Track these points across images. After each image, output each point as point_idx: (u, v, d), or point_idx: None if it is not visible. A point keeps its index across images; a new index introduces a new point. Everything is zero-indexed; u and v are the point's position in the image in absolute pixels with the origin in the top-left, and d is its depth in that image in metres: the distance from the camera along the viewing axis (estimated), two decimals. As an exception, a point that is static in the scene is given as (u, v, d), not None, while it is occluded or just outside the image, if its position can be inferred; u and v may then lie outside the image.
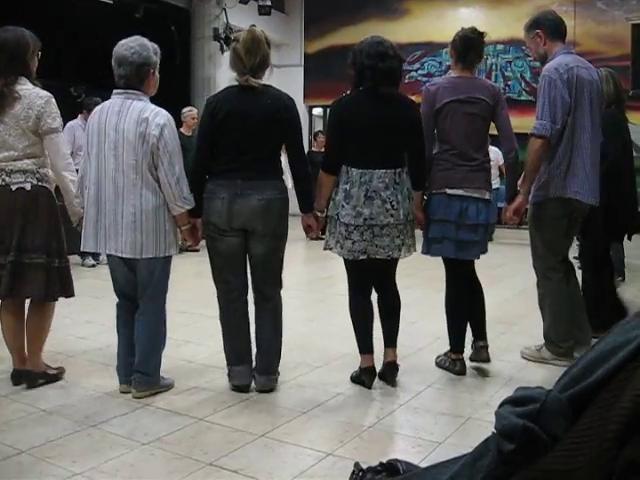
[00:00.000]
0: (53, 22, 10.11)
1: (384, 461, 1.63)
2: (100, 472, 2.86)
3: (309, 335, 5.21)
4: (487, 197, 4.19)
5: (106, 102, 3.82)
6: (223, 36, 13.57)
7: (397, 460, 1.59)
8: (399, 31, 15.72)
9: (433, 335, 5.07)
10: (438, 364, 4.48)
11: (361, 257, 3.90)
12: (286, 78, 13.25)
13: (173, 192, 3.72)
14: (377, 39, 3.99)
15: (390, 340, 4.14)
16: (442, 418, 3.56)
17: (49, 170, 4.02)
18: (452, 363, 4.35)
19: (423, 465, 1.62)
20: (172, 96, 8.48)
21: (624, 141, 5.06)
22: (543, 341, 4.63)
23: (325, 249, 4.13)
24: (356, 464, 1.67)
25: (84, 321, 5.47)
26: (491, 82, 4.56)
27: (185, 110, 9.33)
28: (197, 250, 8.45)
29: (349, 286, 4.13)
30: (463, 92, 4.13)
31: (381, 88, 3.88)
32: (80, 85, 10.16)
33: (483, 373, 4.34)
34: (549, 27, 4.42)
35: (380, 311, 4.18)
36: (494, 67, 15.03)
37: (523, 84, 14.84)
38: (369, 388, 4.01)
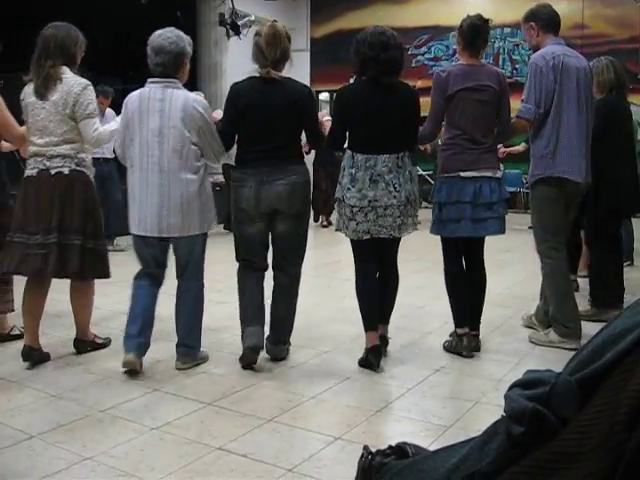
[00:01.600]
0: (58, 8, 10.09)
1: (393, 444, 1.63)
2: (110, 456, 2.88)
3: (316, 319, 5.22)
4: (498, 175, 4.36)
5: (143, 90, 4.01)
6: (229, 21, 13.51)
7: (406, 443, 1.60)
8: (406, 15, 15.66)
9: (441, 319, 5.06)
10: (447, 348, 4.50)
11: (365, 237, 4.09)
12: (293, 63, 13.10)
13: (216, 155, 4.17)
14: (379, 29, 4.08)
15: (383, 317, 4.32)
16: (450, 402, 3.57)
17: (88, 155, 4.25)
18: (459, 339, 4.41)
19: (432, 449, 1.62)
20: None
21: (621, 125, 5.24)
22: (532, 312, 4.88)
23: (337, 230, 4.33)
24: (365, 447, 1.67)
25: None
26: (497, 69, 4.70)
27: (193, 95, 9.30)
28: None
29: (356, 266, 4.27)
30: (473, 80, 4.26)
31: (383, 78, 4.02)
32: (86, 72, 10.16)
33: (491, 357, 4.35)
34: (542, 20, 4.70)
35: (378, 288, 4.30)
36: (501, 50, 14.95)
37: (531, 67, 14.76)
38: (377, 368, 4.07)
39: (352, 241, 4.21)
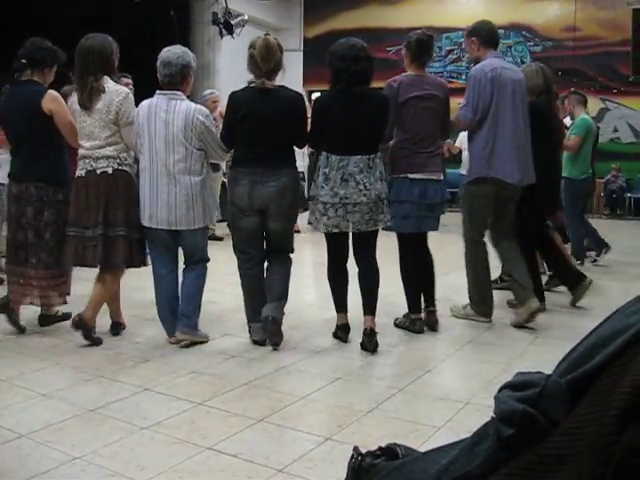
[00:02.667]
0: (53, 8, 10.07)
1: (383, 445, 1.63)
2: (99, 456, 2.87)
3: (307, 320, 5.22)
4: (441, 178, 4.88)
5: (152, 100, 4.52)
6: (222, 21, 13.49)
7: (396, 444, 1.60)
8: (399, 16, 15.68)
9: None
10: (398, 324, 5.04)
11: (334, 230, 4.50)
12: (285, 63, 13.10)
13: (220, 156, 4.80)
14: (350, 42, 4.48)
15: (368, 308, 4.61)
16: (441, 403, 3.57)
17: (130, 153, 4.70)
18: (412, 323, 4.92)
19: (422, 450, 1.62)
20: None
21: (546, 127, 5.45)
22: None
23: (308, 223, 4.75)
24: (355, 448, 1.68)
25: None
26: (441, 79, 5.25)
27: (207, 93, 9.24)
28: (221, 239, 8.86)
29: (328, 256, 4.73)
30: (422, 89, 4.76)
31: (354, 88, 4.39)
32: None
33: (481, 358, 4.36)
34: (483, 36, 5.17)
35: (360, 283, 4.65)
36: (494, 52, 14.97)
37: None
38: (345, 342, 4.61)
39: (326, 235, 4.62)
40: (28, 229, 4.71)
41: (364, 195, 4.40)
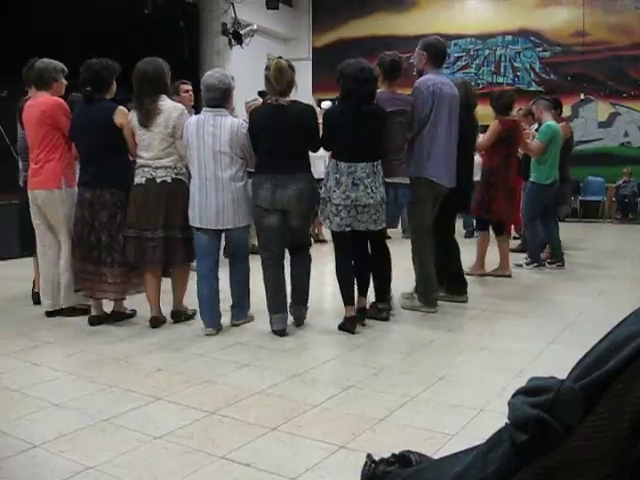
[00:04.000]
0: (63, 18, 10.13)
1: (396, 453, 1.62)
2: (113, 466, 2.87)
3: (320, 327, 5.21)
4: (407, 182, 5.47)
5: (199, 116, 5.08)
6: (231, 31, 13.56)
7: (410, 451, 1.59)
8: (407, 23, 15.70)
9: (445, 327, 5.05)
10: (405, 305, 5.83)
11: (347, 229, 5.11)
12: (297, 87, 13.06)
13: (254, 163, 5.15)
14: (360, 65, 5.06)
15: (362, 291, 5.48)
16: (454, 410, 3.56)
17: (183, 164, 5.23)
18: (379, 311, 5.51)
19: (435, 457, 1.61)
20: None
21: (463, 136, 5.89)
22: None
23: (319, 222, 5.52)
24: (368, 455, 1.67)
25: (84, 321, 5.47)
26: (408, 96, 5.61)
27: (250, 100, 9.38)
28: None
29: (335, 253, 5.29)
30: (395, 105, 5.34)
31: (363, 106, 5.03)
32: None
33: (495, 365, 4.34)
34: (432, 54, 5.71)
35: (357, 270, 5.38)
36: (503, 58, 14.98)
37: (532, 75, 14.79)
38: (352, 333, 5.05)
39: (335, 233, 5.22)
40: (101, 231, 5.23)
41: (371, 198, 5.03)
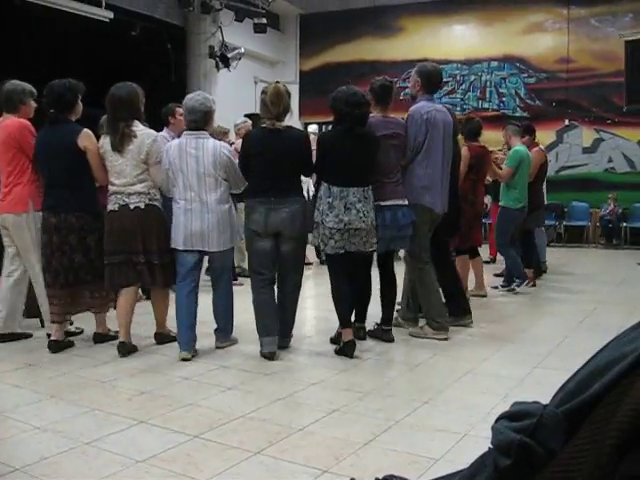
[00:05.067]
0: (49, 40, 10.15)
1: (380, 477, 1.61)
2: (94, 490, 2.84)
3: (305, 351, 5.20)
4: (406, 203, 5.46)
5: (181, 140, 5.11)
6: (219, 54, 13.62)
7: (393, 476, 1.58)
8: (394, 48, 15.83)
9: (430, 350, 5.05)
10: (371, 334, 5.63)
11: (340, 252, 5.12)
12: (292, 112, 13.11)
13: (238, 185, 5.24)
14: (352, 90, 5.16)
15: (360, 316, 5.57)
16: (438, 434, 3.55)
17: (156, 190, 5.24)
18: (385, 333, 5.57)
19: (419, 481, 1.61)
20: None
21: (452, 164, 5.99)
22: None
23: (311, 244, 5.42)
24: (352, 480, 1.66)
25: (80, 338, 5.44)
26: (401, 120, 5.68)
27: (239, 122, 9.35)
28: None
29: (331, 275, 5.28)
30: (388, 128, 5.41)
31: (355, 129, 5.10)
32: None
33: (479, 389, 4.34)
34: (426, 81, 5.74)
35: (357, 293, 5.43)
36: (488, 84, 15.11)
37: (517, 101, 14.92)
38: (351, 358, 4.98)
39: (329, 256, 5.23)
40: (73, 254, 5.17)
41: (363, 222, 5.08)
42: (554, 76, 14.56)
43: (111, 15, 11.52)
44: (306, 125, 14.40)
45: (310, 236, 5.24)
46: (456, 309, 6.19)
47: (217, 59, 13.66)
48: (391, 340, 5.50)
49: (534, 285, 8.52)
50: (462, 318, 6.18)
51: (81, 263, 5.20)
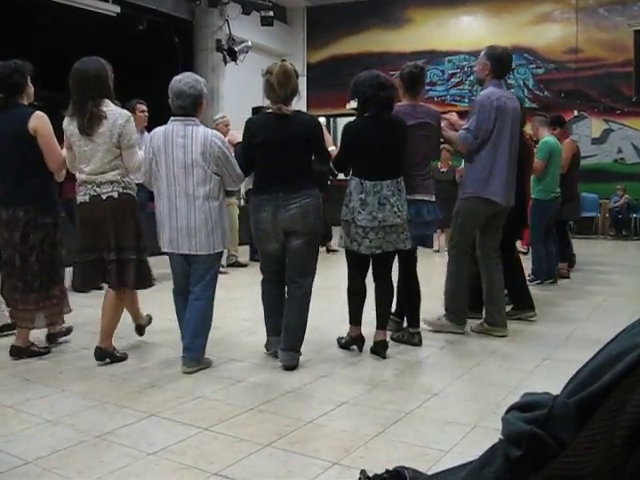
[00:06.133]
0: (57, 34, 10.16)
1: (390, 469, 1.62)
2: (106, 483, 2.86)
3: (313, 344, 5.20)
4: (433, 199, 5.17)
5: (167, 127, 4.50)
6: (226, 47, 13.61)
7: (403, 467, 1.58)
8: (401, 40, 15.79)
9: (438, 343, 5.05)
10: (395, 339, 5.26)
11: (377, 252, 4.74)
12: (300, 95, 13.11)
13: (235, 181, 4.71)
14: (374, 72, 4.81)
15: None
16: (448, 426, 3.55)
17: (131, 178, 4.76)
18: (411, 336, 5.21)
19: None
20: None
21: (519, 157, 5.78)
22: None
23: (343, 247, 4.91)
24: (362, 471, 1.66)
25: (90, 331, 5.46)
26: (433, 108, 5.53)
27: (218, 117, 9.21)
28: (245, 265, 9.08)
29: (349, 271, 4.97)
30: (416, 118, 5.08)
31: (382, 113, 4.70)
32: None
33: (489, 381, 4.34)
34: (495, 64, 5.43)
35: (376, 297, 4.98)
36: (497, 75, 15.03)
37: (526, 92, 14.85)
38: (360, 351, 4.90)
39: (351, 252, 4.83)
40: (16, 254, 4.71)
41: (398, 217, 4.71)
42: (563, 66, 14.50)
43: (118, 9, 11.55)
44: (314, 118, 14.40)
45: (342, 237, 4.86)
46: (520, 303, 6.16)
47: (224, 52, 13.65)
48: (418, 344, 5.15)
49: (568, 277, 8.43)
50: (525, 312, 6.12)
51: (17, 266, 4.72)
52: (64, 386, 4.23)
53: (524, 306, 6.16)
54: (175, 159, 4.43)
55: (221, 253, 4.76)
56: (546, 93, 14.66)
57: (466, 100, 14.96)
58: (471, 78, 15.28)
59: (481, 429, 3.46)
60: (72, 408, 3.83)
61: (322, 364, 4.73)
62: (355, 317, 4.97)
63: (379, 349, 4.84)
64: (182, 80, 4.50)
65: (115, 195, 4.60)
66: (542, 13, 14.67)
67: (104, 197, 4.58)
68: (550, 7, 14.61)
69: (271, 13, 13.92)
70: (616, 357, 1.00)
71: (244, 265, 9.47)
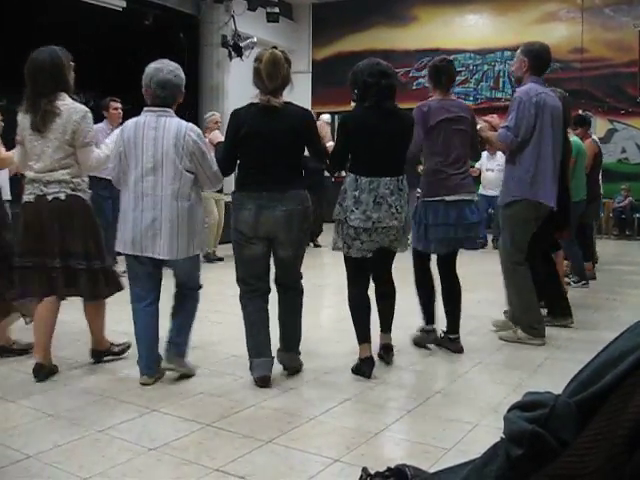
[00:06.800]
0: (63, 29, 10.16)
1: (392, 466, 1.62)
2: (107, 477, 2.86)
3: (314, 342, 5.20)
4: (476, 199, 4.96)
5: (139, 118, 4.14)
6: (231, 43, 13.62)
7: (405, 465, 1.59)
8: (406, 38, 15.77)
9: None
10: (415, 341, 5.09)
11: (368, 255, 4.35)
12: (294, 84, 13.18)
13: (212, 181, 4.28)
14: (375, 60, 4.39)
15: (385, 325, 4.65)
16: (450, 424, 3.55)
17: (83, 179, 4.35)
18: (427, 333, 5.04)
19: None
20: (180, 102, 8.32)
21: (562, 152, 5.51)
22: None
23: (334, 249, 4.47)
24: (364, 469, 1.67)
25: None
26: (464, 102, 5.28)
27: (207, 115, 9.34)
28: (221, 259, 9.03)
29: (349, 281, 4.50)
30: (450, 111, 4.81)
31: (383, 103, 4.28)
32: (90, 91, 10.22)
33: (491, 380, 4.34)
34: (534, 60, 5.23)
35: (377, 299, 4.65)
36: (501, 73, 15.03)
37: (531, 91, 14.82)
38: (368, 378, 4.26)
39: (349, 259, 4.41)
40: None
41: (396, 219, 4.31)
42: (568, 66, 14.46)
43: (124, 4, 11.55)
44: (318, 115, 14.38)
45: (334, 239, 4.47)
46: (556, 309, 5.87)
47: (230, 48, 13.66)
48: (460, 350, 4.87)
49: (594, 278, 8.36)
50: (562, 319, 5.83)
51: None
52: (66, 381, 4.23)
53: (561, 312, 5.86)
54: (145, 152, 4.06)
55: (197, 260, 4.34)
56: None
57: (471, 98, 14.93)
58: (476, 76, 15.27)
59: (483, 427, 3.47)
60: (74, 403, 3.83)
61: (324, 361, 4.72)
62: (362, 333, 4.41)
63: (384, 354, 4.61)
64: (164, 68, 4.15)
65: (62, 197, 4.20)
66: (548, 12, 14.64)
67: (50, 198, 4.20)
68: (556, 6, 14.58)
69: (277, 9, 13.93)
70: (618, 357, 1.00)
71: (221, 259, 9.50)
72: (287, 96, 4.23)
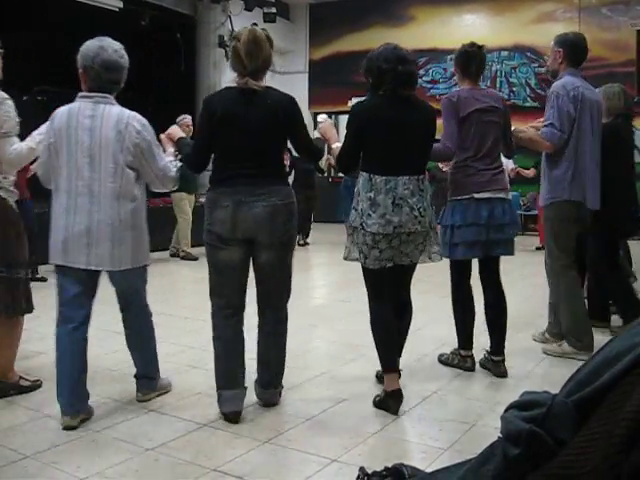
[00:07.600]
0: (58, 29, 10.15)
1: (389, 466, 1.62)
2: (104, 477, 2.86)
3: (312, 341, 5.21)
4: (509, 197, 4.50)
5: (72, 105, 3.55)
6: (228, 43, 13.61)
7: (402, 464, 1.58)
8: (404, 38, 15.72)
9: (439, 341, 5.06)
10: (444, 362, 4.66)
11: (388, 265, 3.76)
12: (291, 85, 13.29)
13: (161, 181, 3.71)
14: (392, 45, 3.90)
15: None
16: (447, 424, 3.55)
17: (7, 177, 3.82)
18: (462, 360, 4.55)
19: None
20: (177, 103, 8.46)
21: (622, 150, 5.34)
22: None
23: (346, 259, 3.95)
24: (361, 468, 1.66)
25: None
26: (496, 91, 4.78)
27: (179, 118, 9.32)
28: (196, 259, 8.96)
29: (370, 296, 3.89)
30: (482, 102, 4.33)
31: (401, 91, 3.75)
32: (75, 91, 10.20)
33: (489, 379, 4.34)
34: (570, 51, 4.89)
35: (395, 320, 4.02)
36: (499, 74, 15.03)
37: (528, 90, 14.84)
38: (395, 414, 3.68)
39: (368, 271, 3.82)
40: None
41: (419, 223, 3.73)
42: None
43: (120, 4, 11.55)
44: (315, 115, 14.38)
45: (347, 246, 3.92)
46: (628, 313, 5.35)
47: (226, 48, 13.64)
48: (503, 375, 4.36)
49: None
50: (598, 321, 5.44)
51: None
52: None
53: (632, 317, 5.19)
54: (80, 145, 3.46)
55: (142, 268, 3.72)
56: (548, 92, 14.65)
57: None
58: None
59: (480, 427, 3.47)
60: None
61: (321, 361, 4.73)
62: (388, 359, 3.84)
63: (391, 397, 3.79)
64: (108, 47, 3.57)
65: None
66: (545, 12, 14.64)
67: None
68: (553, 6, 14.59)
69: (274, 9, 13.92)
70: (615, 357, 1.00)
71: (195, 258, 9.50)
72: (269, 77, 3.83)
